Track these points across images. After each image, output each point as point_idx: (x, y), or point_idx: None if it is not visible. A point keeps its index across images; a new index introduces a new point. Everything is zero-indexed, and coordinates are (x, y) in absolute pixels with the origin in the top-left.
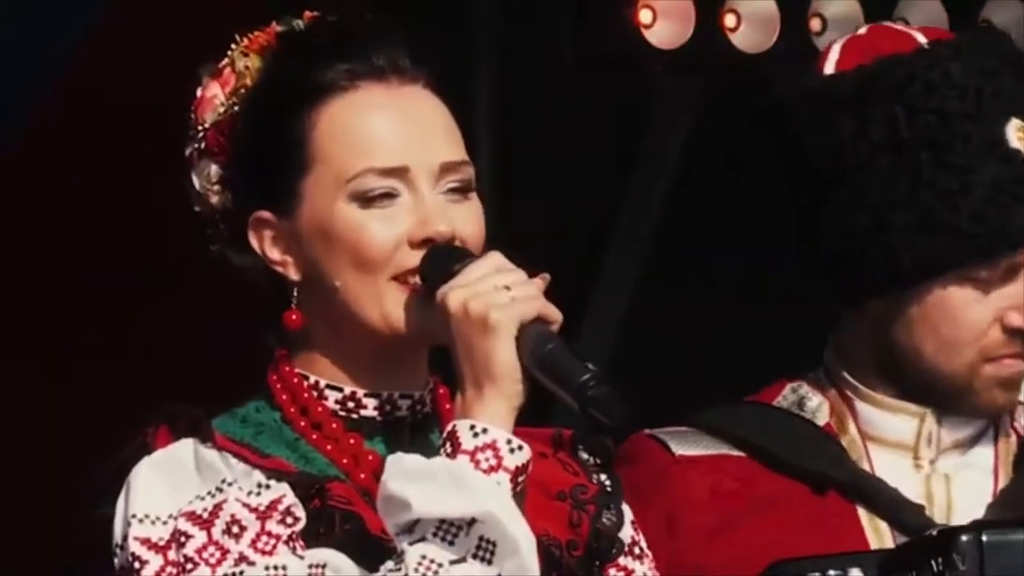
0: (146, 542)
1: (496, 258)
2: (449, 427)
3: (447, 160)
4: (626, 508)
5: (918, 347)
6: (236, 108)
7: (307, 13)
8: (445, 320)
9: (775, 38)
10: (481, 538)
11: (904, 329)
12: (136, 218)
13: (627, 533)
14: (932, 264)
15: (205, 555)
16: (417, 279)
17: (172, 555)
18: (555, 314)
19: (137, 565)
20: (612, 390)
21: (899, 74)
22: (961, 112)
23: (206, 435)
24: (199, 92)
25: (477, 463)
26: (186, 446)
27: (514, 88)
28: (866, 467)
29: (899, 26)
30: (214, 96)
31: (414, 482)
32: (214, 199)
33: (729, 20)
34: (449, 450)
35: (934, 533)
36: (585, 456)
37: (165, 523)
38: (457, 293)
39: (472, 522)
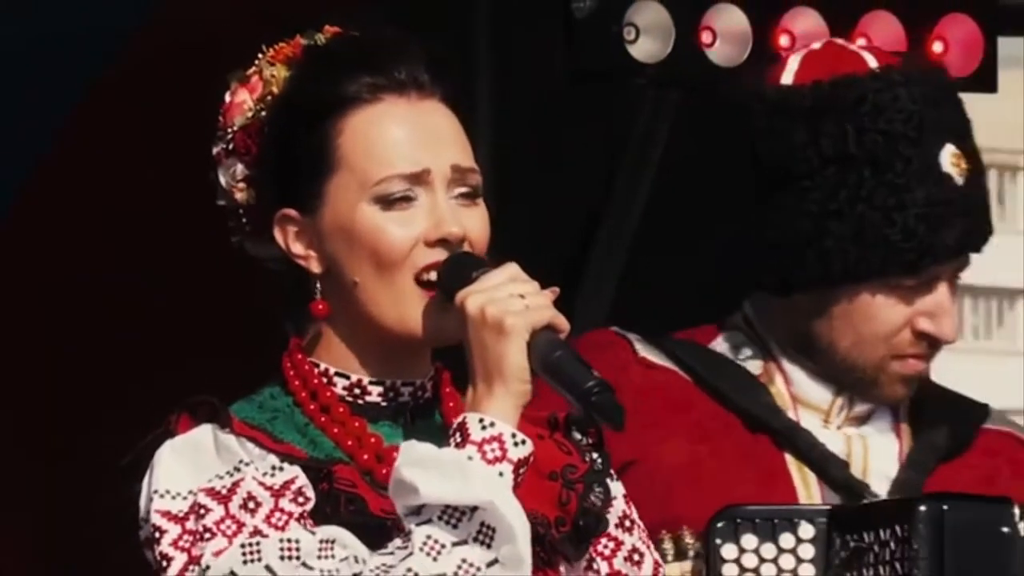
0: (166, 514)
1: (513, 268)
2: (459, 419)
3: (458, 163)
4: (618, 484)
5: (836, 341)
6: (263, 113)
7: (327, 28)
8: (462, 321)
9: (747, 53)
10: (482, 524)
11: (824, 323)
12: (151, 220)
13: (619, 507)
14: (862, 271)
15: (222, 527)
16: (433, 275)
17: (190, 525)
18: (564, 324)
19: (158, 535)
20: (614, 397)
21: (853, 94)
22: (904, 135)
23: (224, 421)
24: (228, 97)
25: (484, 454)
26: (206, 431)
27: (511, 98)
28: (792, 419)
29: (852, 45)
30: (243, 101)
31: (424, 469)
32: (239, 195)
33: (705, 37)
34: (459, 440)
35: (893, 499)
36: (578, 436)
37: (185, 498)
38: (476, 298)
39: (475, 509)
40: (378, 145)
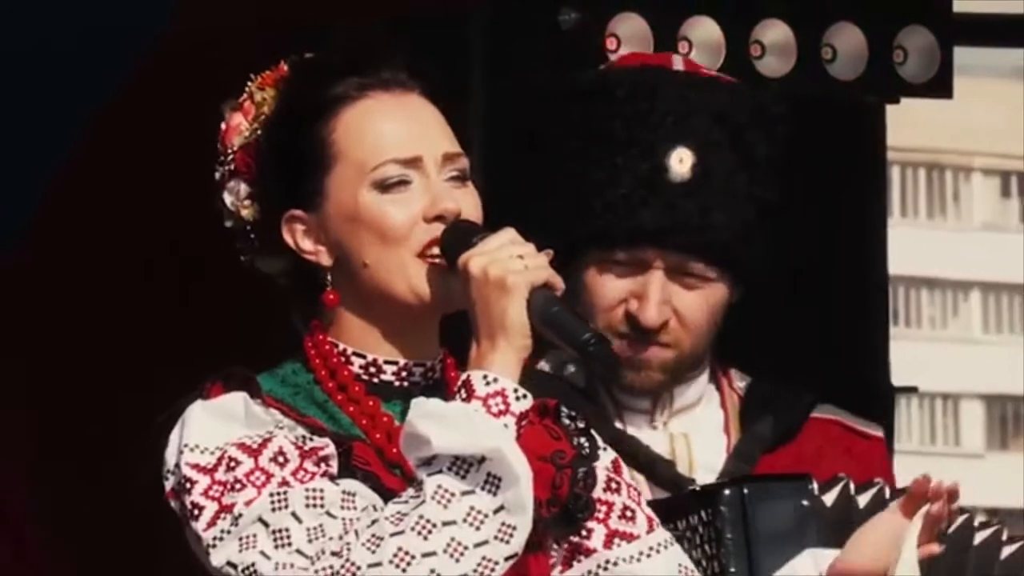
0: (196, 467)
1: (510, 232)
2: (464, 376)
3: (448, 150)
4: (607, 453)
5: None
6: (258, 132)
7: (306, 55)
8: (466, 282)
9: (720, 62)
10: (489, 473)
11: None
12: (162, 224)
13: (603, 477)
14: (576, 241)
15: (252, 478)
16: (436, 250)
17: (219, 476)
18: (560, 282)
19: (188, 485)
20: (609, 347)
21: (620, 82)
22: (642, 122)
23: (255, 391)
24: (224, 124)
25: (489, 407)
26: (238, 398)
27: (503, 102)
28: (619, 427)
29: (676, 57)
30: (238, 124)
31: (435, 422)
32: (244, 212)
33: (682, 47)
34: (464, 395)
35: (698, 488)
36: (567, 422)
37: (213, 453)
38: (478, 259)
39: (482, 460)
40: (371, 135)
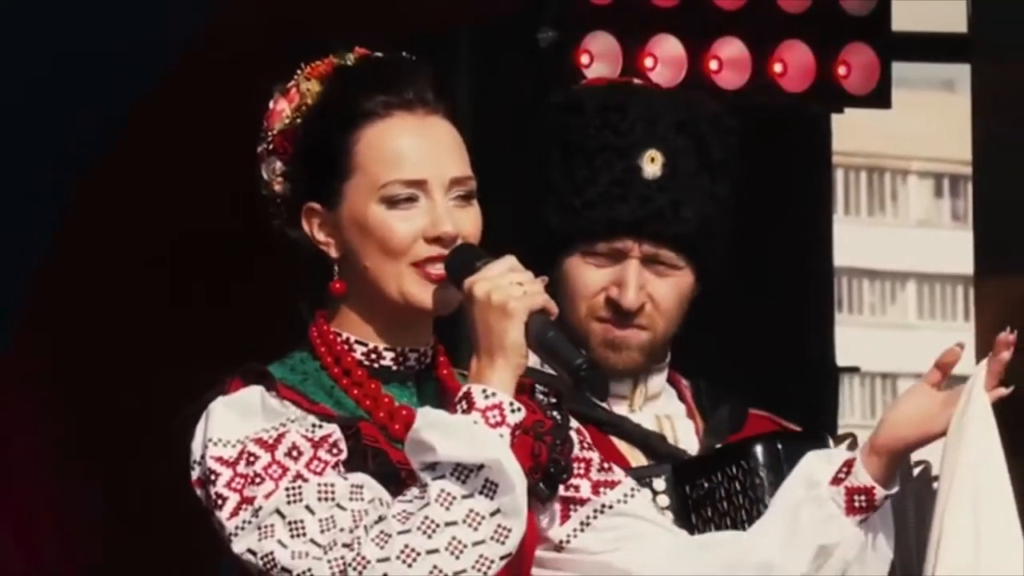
0: (219, 459)
1: (511, 260)
2: (465, 388)
3: (456, 175)
4: (575, 425)
5: (561, 304)
6: (298, 121)
7: (357, 49)
8: (470, 304)
9: (682, 76)
10: (487, 479)
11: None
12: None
13: (577, 439)
14: (559, 236)
15: (270, 471)
16: (430, 269)
17: (240, 469)
18: (554, 307)
19: (213, 477)
20: (598, 372)
21: (591, 97)
22: (616, 129)
23: (270, 385)
24: (271, 105)
25: (487, 419)
26: (255, 391)
27: (487, 114)
28: (611, 410)
29: (636, 80)
30: (282, 110)
31: (439, 431)
32: (276, 187)
33: (648, 62)
34: (465, 407)
35: (722, 447)
36: (541, 397)
37: (235, 446)
38: (482, 284)
39: (481, 467)
40: (386, 154)
